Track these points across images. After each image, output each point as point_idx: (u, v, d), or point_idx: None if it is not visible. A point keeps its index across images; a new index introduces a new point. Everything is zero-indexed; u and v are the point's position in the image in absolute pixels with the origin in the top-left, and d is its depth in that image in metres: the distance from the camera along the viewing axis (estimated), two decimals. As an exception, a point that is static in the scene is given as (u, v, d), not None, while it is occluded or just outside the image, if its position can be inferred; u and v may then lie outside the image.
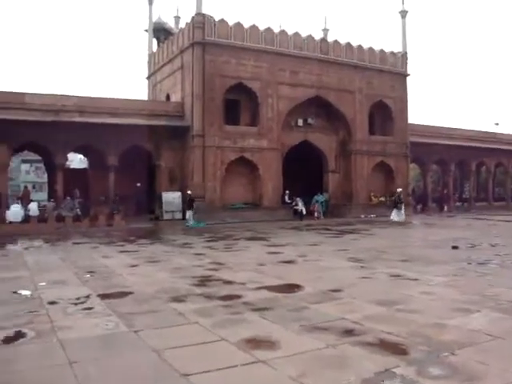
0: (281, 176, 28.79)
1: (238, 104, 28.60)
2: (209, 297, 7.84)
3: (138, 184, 23.00)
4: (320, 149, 31.19)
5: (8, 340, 5.84)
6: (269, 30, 28.83)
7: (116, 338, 5.88)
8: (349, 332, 5.80)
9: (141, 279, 9.63)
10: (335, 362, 4.92)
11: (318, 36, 31.74)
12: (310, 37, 30.19)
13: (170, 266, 11.43)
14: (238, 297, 7.77)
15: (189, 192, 24.67)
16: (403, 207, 27.12)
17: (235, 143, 27.47)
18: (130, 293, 8.32)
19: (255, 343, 5.42)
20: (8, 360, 5.15)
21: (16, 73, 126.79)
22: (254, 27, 28.36)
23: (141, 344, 5.56)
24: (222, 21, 27.53)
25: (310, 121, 30.31)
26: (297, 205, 27.99)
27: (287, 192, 28.10)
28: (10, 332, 6.09)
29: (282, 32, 29.40)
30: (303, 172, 31.09)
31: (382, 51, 32.92)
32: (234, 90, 27.56)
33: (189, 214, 24.44)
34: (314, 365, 4.81)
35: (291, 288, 8.51)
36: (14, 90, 25.18)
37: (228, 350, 5.24)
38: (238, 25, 27.97)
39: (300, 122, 30.00)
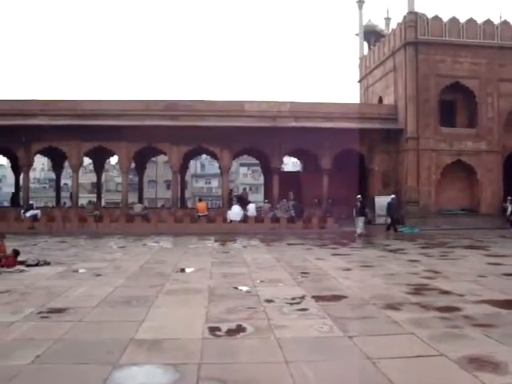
0: (501, 181, 26.68)
1: (453, 104, 27.20)
2: (425, 307, 7.51)
3: (359, 196, 22.70)
4: (548, 151, 28.08)
5: (230, 332, 6.26)
6: (488, 22, 26.75)
7: (330, 342, 5.89)
8: None
9: (354, 283, 9.60)
10: None
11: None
12: (538, 24, 27.19)
13: (383, 271, 11.24)
14: (457, 309, 7.31)
15: (358, 196, 22.87)
16: None
17: (451, 146, 26.17)
18: (344, 297, 8.34)
19: (478, 363, 4.99)
20: (231, 351, 5.50)
21: (236, 83, 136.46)
22: (470, 21, 26.60)
23: (355, 350, 5.50)
24: (436, 17, 26.38)
25: (536, 119, 27.53)
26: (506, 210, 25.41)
27: (509, 198, 25.72)
28: (233, 325, 6.50)
29: (504, 23, 26.96)
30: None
31: None
32: (448, 90, 26.31)
33: (359, 220, 21.82)
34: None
35: (517, 304, 7.78)
36: (234, 99, 27.22)
37: (447, 368, 4.91)
38: (453, 20, 26.49)
39: (524, 121, 27.41)
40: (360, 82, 34.72)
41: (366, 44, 34.87)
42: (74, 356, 5.33)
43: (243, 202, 27.31)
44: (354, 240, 19.87)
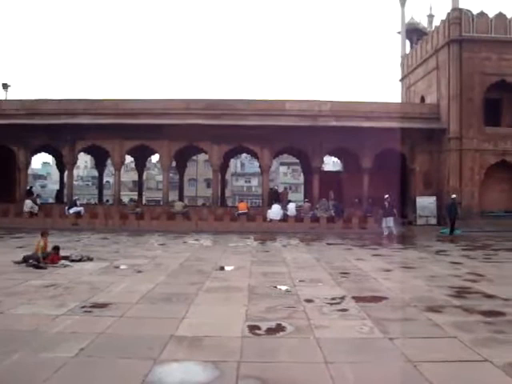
0: (546, 181, 25.84)
1: (498, 103, 26.41)
2: (468, 310, 7.38)
3: (387, 196, 22.27)
4: None
5: (270, 331, 6.28)
6: (538, 15, 25.82)
7: (370, 343, 5.86)
8: None
9: (395, 285, 9.51)
10: None
11: None
12: None
13: (424, 273, 11.09)
14: (501, 314, 7.16)
15: (386, 196, 22.32)
16: None
17: (496, 146, 25.39)
18: (385, 298, 8.28)
19: (525, 370, 4.85)
20: (270, 350, 5.53)
21: (277, 81, 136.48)
22: (518, 16, 25.79)
23: (396, 353, 5.45)
24: (481, 14, 25.52)
25: None
26: None
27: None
28: (272, 324, 6.53)
29: (557, 16, 25.93)
30: None
31: None
32: (493, 89, 25.45)
33: (389, 220, 21.57)
34: None
35: None
36: (275, 98, 27.21)
37: (493, 374, 4.82)
38: (500, 16, 25.48)
39: None
40: (402, 80, 34.15)
41: (408, 42, 34.30)
42: (116, 350, 5.46)
43: (276, 197, 27.32)
44: (393, 240, 19.63)
